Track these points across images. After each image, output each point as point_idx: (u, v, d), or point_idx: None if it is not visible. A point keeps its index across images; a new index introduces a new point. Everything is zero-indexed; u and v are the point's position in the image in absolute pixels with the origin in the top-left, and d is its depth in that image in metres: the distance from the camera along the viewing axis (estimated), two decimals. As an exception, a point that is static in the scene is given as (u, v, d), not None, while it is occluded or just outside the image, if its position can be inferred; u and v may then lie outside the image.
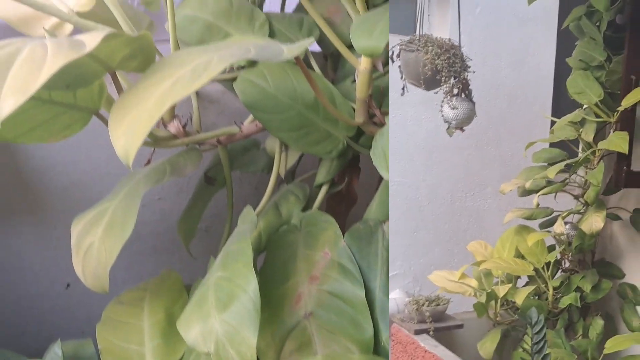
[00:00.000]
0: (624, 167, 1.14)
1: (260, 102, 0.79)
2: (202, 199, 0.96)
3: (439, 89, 0.99)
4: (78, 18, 0.77)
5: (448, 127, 1.03)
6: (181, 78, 0.56)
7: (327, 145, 0.81)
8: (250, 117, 0.84)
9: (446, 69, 0.95)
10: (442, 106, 1.00)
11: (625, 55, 1.10)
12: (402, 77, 0.99)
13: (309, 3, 0.78)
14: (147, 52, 0.64)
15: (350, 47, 0.75)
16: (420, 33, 0.97)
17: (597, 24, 1.12)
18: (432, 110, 1.12)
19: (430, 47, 0.94)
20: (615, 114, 1.11)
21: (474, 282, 1.13)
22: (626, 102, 1.07)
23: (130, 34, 0.63)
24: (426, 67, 0.94)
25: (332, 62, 0.91)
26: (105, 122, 0.64)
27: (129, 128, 0.56)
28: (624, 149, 1.07)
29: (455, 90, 0.99)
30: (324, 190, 0.87)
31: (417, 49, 0.94)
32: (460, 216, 1.40)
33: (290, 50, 0.63)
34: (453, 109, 0.99)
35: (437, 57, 0.94)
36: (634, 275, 1.19)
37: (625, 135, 1.08)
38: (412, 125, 1.33)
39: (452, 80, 0.97)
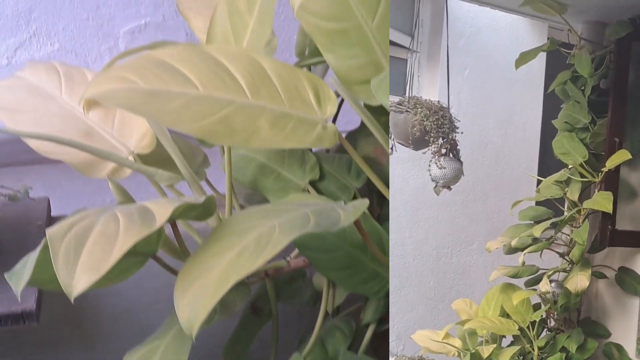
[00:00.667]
0: (609, 226, 1.15)
1: (309, 240, 0.81)
2: (247, 329, 0.96)
3: (427, 149, 1.00)
4: (136, 164, 0.83)
5: (435, 186, 1.04)
6: (245, 249, 0.60)
7: (375, 285, 0.82)
8: (297, 250, 0.85)
9: (435, 130, 0.96)
10: (430, 166, 1.01)
11: (609, 118, 1.12)
12: (390, 137, 1.00)
13: (351, 147, 0.80)
14: (208, 208, 0.69)
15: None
16: (410, 95, 0.98)
17: (582, 88, 1.14)
18: (419, 167, 1.13)
19: (419, 109, 0.95)
20: (599, 174, 1.13)
21: (457, 342, 1.12)
22: (610, 164, 1.09)
23: (195, 200, 0.67)
24: (415, 128, 0.95)
25: (377, 198, 0.93)
26: (159, 261, 0.70)
27: (194, 300, 0.58)
28: (609, 208, 1.08)
29: (444, 150, 1.00)
30: (371, 329, 0.87)
31: (407, 110, 0.95)
32: (445, 272, 1.40)
33: (346, 217, 0.65)
34: (441, 168, 1.00)
35: (426, 118, 0.95)
36: (620, 334, 1.19)
37: (609, 195, 1.10)
38: (399, 182, 1.33)
39: (440, 141, 0.98)
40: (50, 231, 0.58)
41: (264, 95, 0.73)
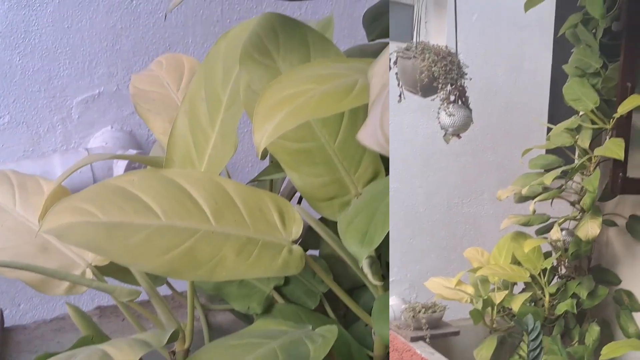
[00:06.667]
0: (620, 174, 1.14)
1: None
2: None
3: (435, 96, 0.99)
4: (94, 281, 0.81)
5: (445, 134, 1.03)
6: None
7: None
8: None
9: (443, 76, 0.95)
10: (439, 113, 1.00)
11: (621, 62, 1.10)
12: (399, 84, 0.99)
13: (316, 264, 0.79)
14: (173, 338, 0.68)
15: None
16: (417, 40, 0.97)
17: (593, 31, 1.12)
18: (428, 116, 1.13)
19: (427, 55, 0.94)
20: (611, 120, 1.11)
21: (470, 289, 1.13)
22: (622, 109, 1.08)
23: (159, 340, 0.66)
24: (423, 75, 0.94)
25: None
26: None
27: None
28: (620, 155, 1.07)
29: (452, 97, 0.99)
30: None
31: (414, 56, 0.94)
32: (456, 222, 1.40)
33: (316, 352, 0.65)
34: (450, 115, 0.99)
35: (434, 64, 0.94)
36: (630, 281, 1.20)
37: (621, 142, 1.08)
38: (409, 132, 1.33)
39: (448, 88, 0.98)
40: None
41: (229, 220, 0.71)
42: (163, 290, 0.91)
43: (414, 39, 0.98)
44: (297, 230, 0.75)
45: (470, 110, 1.02)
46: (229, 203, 0.73)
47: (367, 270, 0.73)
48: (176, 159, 0.83)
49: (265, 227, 0.73)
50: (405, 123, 1.32)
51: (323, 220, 0.82)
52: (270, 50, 0.79)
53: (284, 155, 0.81)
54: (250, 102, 0.77)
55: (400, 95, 1.00)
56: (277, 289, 0.92)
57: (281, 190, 1.03)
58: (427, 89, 0.98)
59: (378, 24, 0.94)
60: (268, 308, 0.90)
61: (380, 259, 0.93)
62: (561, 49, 1.24)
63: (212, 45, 0.84)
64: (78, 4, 1.40)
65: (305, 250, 0.93)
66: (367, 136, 0.55)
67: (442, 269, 1.36)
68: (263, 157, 0.89)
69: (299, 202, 0.99)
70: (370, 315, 0.79)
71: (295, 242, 0.75)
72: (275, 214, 0.75)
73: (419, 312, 1.12)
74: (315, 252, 0.96)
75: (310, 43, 0.79)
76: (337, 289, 0.81)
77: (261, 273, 0.71)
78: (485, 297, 1.12)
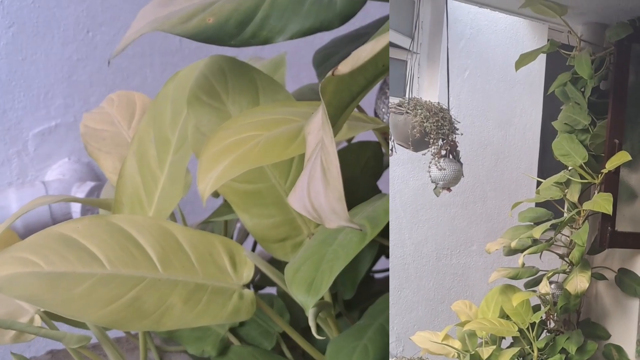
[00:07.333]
0: (609, 228, 1.15)
1: None
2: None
3: (427, 150, 1.00)
4: (42, 329, 0.79)
5: (435, 187, 1.04)
6: None
7: None
8: None
9: (435, 132, 0.96)
10: (430, 167, 1.01)
11: (609, 119, 1.12)
12: (391, 138, 1.00)
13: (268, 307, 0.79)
14: None
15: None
16: (410, 96, 0.98)
17: (582, 89, 1.14)
18: (419, 169, 1.13)
19: (419, 110, 0.95)
20: (599, 175, 1.13)
21: (457, 344, 1.12)
22: (610, 165, 1.09)
23: None
24: (415, 130, 0.95)
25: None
26: None
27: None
28: (609, 210, 1.08)
29: (443, 152, 1.00)
30: None
31: (407, 112, 0.95)
32: (445, 274, 1.39)
33: None
34: (441, 170, 1.00)
35: (426, 120, 0.95)
36: (620, 336, 1.19)
37: (609, 196, 1.09)
38: (399, 183, 1.33)
39: (440, 142, 0.98)
40: None
41: (176, 267, 0.70)
42: (117, 332, 0.89)
43: (407, 95, 0.99)
44: (248, 274, 0.74)
45: (461, 164, 1.02)
46: (177, 248, 0.71)
47: (311, 322, 0.71)
48: (125, 201, 0.82)
49: (215, 272, 0.72)
50: (396, 175, 1.33)
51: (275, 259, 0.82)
52: (219, 92, 0.78)
53: (233, 197, 0.80)
54: (199, 144, 0.76)
55: (392, 149, 1.01)
56: (233, 330, 0.90)
57: (237, 229, 1.01)
58: (418, 144, 0.98)
59: (329, 64, 0.94)
60: (224, 350, 0.87)
61: (337, 297, 0.92)
62: (551, 106, 1.26)
63: (163, 86, 0.84)
64: (33, 35, 1.37)
65: (264, 287, 0.91)
66: (295, 201, 0.54)
67: (430, 322, 1.35)
68: (215, 196, 0.88)
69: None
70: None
71: (246, 285, 0.74)
72: (225, 257, 0.73)
73: (407, 366, 1.11)
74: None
75: (259, 86, 0.79)
76: (291, 331, 0.79)
77: (210, 321, 0.69)
78: (473, 352, 1.11)
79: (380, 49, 0.55)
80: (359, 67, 0.56)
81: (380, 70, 0.61)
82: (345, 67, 0.55)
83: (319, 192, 0.52)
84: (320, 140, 0.55)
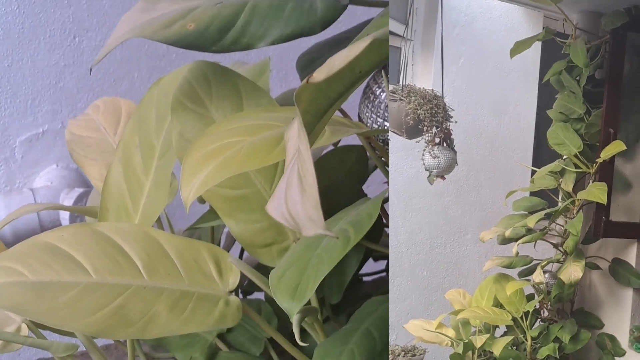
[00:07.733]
0: (603, 217, 1.15)
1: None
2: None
3: (420, 137, 0.99)
4: (28, 338, 0.78)
5: (429, 175, 1.03)
6: None
7: None
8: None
9: (428, 119, 0.95)
10: (423, 155, 1.01)
11: (604, 109, 1.12)
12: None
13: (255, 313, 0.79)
14: None
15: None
16: (404, 83, 0.97)
17: (577, 78, 1.14)
18: (412, 157, 1.12)
19: (413, 97, 0.94)
20: (594, 165, 1.12)
21: (451, 332, 1.12)
22: (605, 154, 1.09)
23: None
24: (409, 117, 0.95)
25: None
26: None
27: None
28: (603, 200, 1.08)
29: (437, 140, 0.99)
30: None
31: (400, 99, 0.94)
32: (438, 263, 1.39)
33: None
34: (434, 157, 1.00)
35: (420, 107, 0.94)
36: (613, 325, 1.19)
37: (604, 186, 1.09)
38: (393, 171, 1.33)
39: (434, 130, 0.98)
40: None
41: (162, 274, 0.71)
42: (105, 339, 0.89)
43: (400, 82, 0.98)
44: (234, 281, 0.74)
45: (455, 152, 1.02)
46: (162, 256, 0.71)
47: (295, 328, 0.71)
48: (111, 208, 0.82)
49: (201, 279, 0.72)
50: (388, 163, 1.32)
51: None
52: (202, 98, 0.78)
53: (218, 203, 0.80)
54: (183, 150, 0.76)
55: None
56: (221, 336, 0.90)
57: (224, 235, 1.01)
58: (412, 131, 0.98)
59: (312, 68, 0.93)
60: (211, 356, 0.88)
61: (324, 301, 0.92)
62: (546, 95, 1.26)
63: (146, 92, 0.84)
64: (18, 42, 1.37)
65: (252, 292, 0.91)
66: (273, 209, 0.54)
67: (423, 310, 1.34)
68: (201, 202, 0.88)
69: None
70: None
71: (233, 292, 0.74)
72: (211, 264, 0.74)
73: (398, 355, 1.11)
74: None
75: (243, 91, 0.79)
76: (279, 336, 0.79)
77: (196, 328, 0.69)
78: (466, 341, 1.11)
79: (354, 56, 0.55)
80: (335, 74, 0.56)
81: (357, 77, 0.61)
82: (320, 74, 0.55)
83: (295, 200, 0.52)
84: (298, 148, 0.55)
